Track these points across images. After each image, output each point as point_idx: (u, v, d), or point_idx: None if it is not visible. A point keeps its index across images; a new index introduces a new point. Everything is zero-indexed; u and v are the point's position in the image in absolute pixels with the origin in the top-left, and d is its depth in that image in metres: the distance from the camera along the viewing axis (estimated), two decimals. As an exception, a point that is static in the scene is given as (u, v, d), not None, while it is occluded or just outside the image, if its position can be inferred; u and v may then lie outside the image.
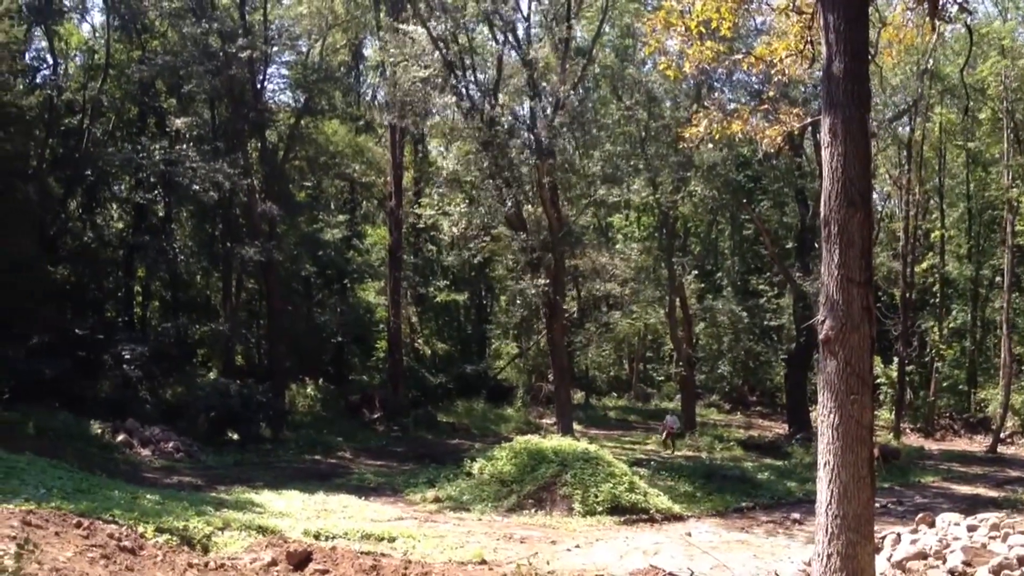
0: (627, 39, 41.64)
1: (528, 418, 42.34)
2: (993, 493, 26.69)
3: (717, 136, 12.56)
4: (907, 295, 45.59)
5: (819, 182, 13.30)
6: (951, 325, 50.62)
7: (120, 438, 27.44)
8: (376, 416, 37.87)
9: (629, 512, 19.85)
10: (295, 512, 17.54)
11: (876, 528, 9.30)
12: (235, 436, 30.84)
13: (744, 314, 48.32)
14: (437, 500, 21.31)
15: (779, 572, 13.11)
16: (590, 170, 37.42)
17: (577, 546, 16.50)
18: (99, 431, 27.46)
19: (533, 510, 19.95)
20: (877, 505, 10.48)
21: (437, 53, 30.83)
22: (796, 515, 21.03)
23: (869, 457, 8.65)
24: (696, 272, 49.71)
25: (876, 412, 35.09)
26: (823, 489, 8.65)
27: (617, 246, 47.14)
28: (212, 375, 37.84)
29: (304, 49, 42.03)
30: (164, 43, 38.72)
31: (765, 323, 48.27)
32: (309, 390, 41.37)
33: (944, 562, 11.89)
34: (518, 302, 44.85)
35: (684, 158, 36.89)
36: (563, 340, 33.90)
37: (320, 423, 36.18)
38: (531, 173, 32.30)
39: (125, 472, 22.94)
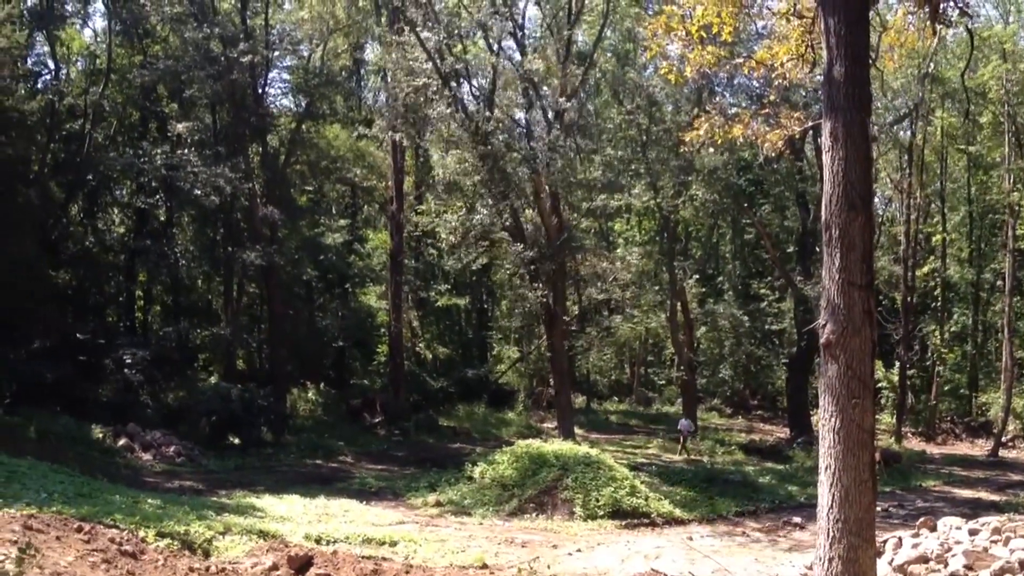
0: (628, 43, 41.69)
1: (529, 422, 42.33)
2: (995, 497, 26.67)
3: (718, 140, 12.56)
4: (908, 299, 45.57)
5: (820, 186, 13.31)
6: (952, 329, 50.59)
7: (121, 442, 27.43)
8: (377, 420, 37.85)
9: (630, 516, 19.85)
10: (296, 516, 17.54)
11: (877, 532, 9.29)
12: (236, 440, 30.84)
13: (745, 318, 48.30)
14: (438, 504, 21.30)
15: (780, 575, 13.11)
16: (591, 175, 37.41)
17: (578, 550, 16.50)
18: (100, 435, 27.47)
19: (534, 514, 19.95)
20: (878, 509, 10.46)
21: (431, 64, 30.66)
22: (797, 519, 21.02)
23: (870, 461, 8.64)
24: (697, 276, 49.74)
25: (877, 416, 35.05)
26: (824, 493, 8.64)
27: (618, 250, 47.13)
28: (213, 379, 37.82)
29: (305, 54, 42.08)
30: (165, 48, 38.77)
31: (766, 327, 48.26)
32: (310, 394, 41.37)
33: (946, 566, 11.87)
34: (517, 311, 44.94)
35: (685, 162, 36.92)
36: (563, 346, 33.75)
37: (321, 427, 36.18)
38: (528, 184, 32.14)
39: (126, 476, 22.95)
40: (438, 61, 30.69)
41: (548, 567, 14.17)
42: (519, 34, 36.02)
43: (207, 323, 41.46)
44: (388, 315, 43.39)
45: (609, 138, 42.22)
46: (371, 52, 46.88)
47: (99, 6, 43.88)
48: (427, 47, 30.48)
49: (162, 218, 41.09)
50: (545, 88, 39.59)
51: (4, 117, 31.24)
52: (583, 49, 42.12)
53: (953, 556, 11.95)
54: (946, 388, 49.19)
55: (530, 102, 32.83)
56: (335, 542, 14.84)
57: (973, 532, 12.97)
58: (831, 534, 8.50)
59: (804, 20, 11.13)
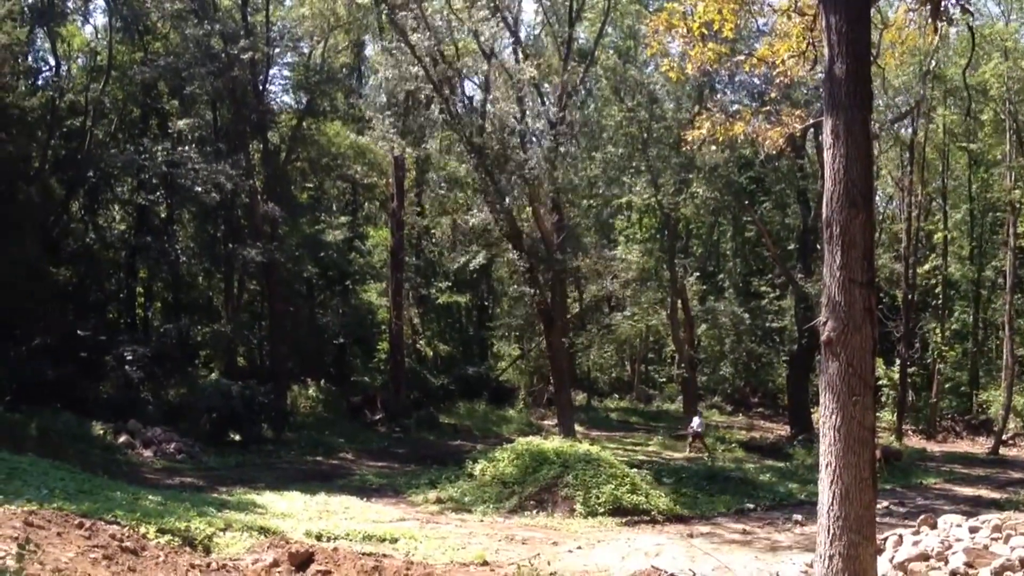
0: (629, 40, 41.69)
1: (530, 419, 42.34)
2: (995, 495, 26.66)
3: (719, 138, 12.56)
4: (909, 296, 45.54)
5: (821, 183, 13.29)
6: (953, 327, 50.58)
7: (122, 439, 27.46)
8: (378, 417, 37.87)
9: (631, 513, 19.84)
10: (297, 513, 17.56)
11: (878, 529, 9.29)
12: (237, 437, 30.85)
13: (746, 315, 48.27)
14: (439, 501, 21.31)
15: (781, 573, 13.11)
16: (592, 172, 37.41)
17: (579, 547, 16.51)
18: (101, 432, 27.50)
19: (535, 511, 19.95)
20: (879, 506, 10.48)
21: (422, 71, 30.38)
22: (798, 516, 21.01)
23: (871, 459, 8.65)
24: (698, 274, 49.72)
25: (878, 414, 35.13)
26: (825, 491, 8.65)
27: (619, 248, 47.15)
28: (214, 376, 37.81)
29: (306, 51, 42.05)
30: (166, 45, 38.77)
31: (767, 325, 48.23)
32: (311, 391, 41.36)
33: (946, 563, 11.87)
34: (517, 312, 44.94)
35: (686, 159, 36.86)
36: (563, 345, 33.54)
37: (322, 424, 36.19)
38: (524, 195, 31.88)
39: (127, 473, 22.96)
40: (430, 68, 30.33)
41: (548, 564, 14.17)
42: (512, 40, 35.72)
43: (208, 320, 41.46)
44: (389, 312, 43.39)
45: (610, 136, 42.20)
46: (372, 49, 46.86)
47: (100, 2, 44.10)
48: (417, 53, 30.11)
49: (163, 215, 41.10)
50: (546, 86, 39.61)
51: (5, 114, 31.26)
52: (584, 47, 42.15)
53: (954, 554, 11.96)
54: (947, 386, 49.18)
55: (524, 110, 32.32)
56: (336, 539, 14.86)
57: (974, 530, 12.98)
58: (831, 532, 8.51)
59: (805, 17, 11.13)
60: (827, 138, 8.89)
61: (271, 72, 40.31)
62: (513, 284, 44.36)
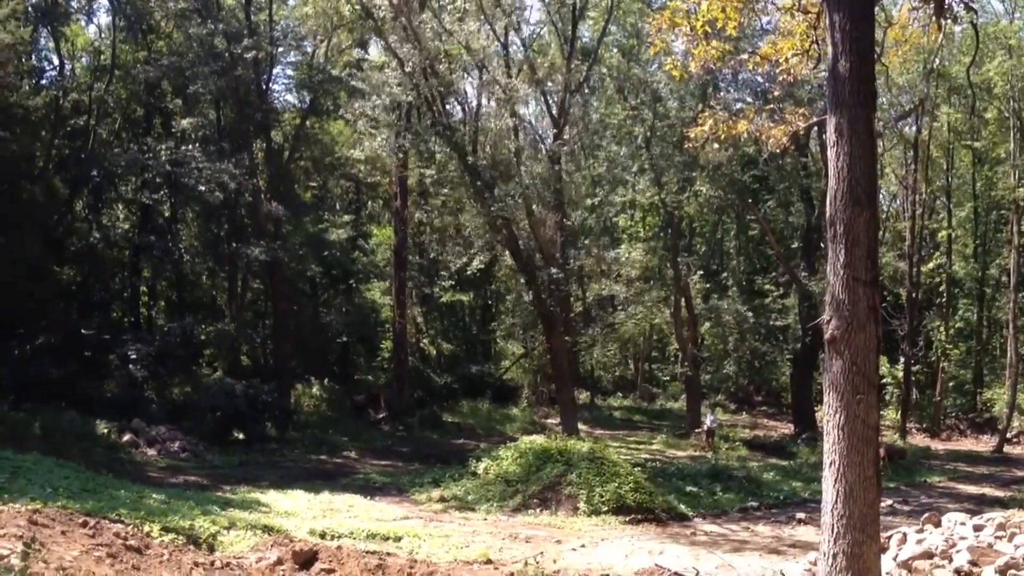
0: (632, 39, 41.63)
1: (533, 418, 42.36)
2: (999, 493, 26.65)
3: (723, 136, 12.56)
4: (913, 295, 45.49)
5: (825, 182, 13.28)
6: (957, 325, 50.52)
7: (126, 438, 27.50)
8: (381, 416, 37.90)
9: (634, 512, 19.83)
10: (301, 511, 17.57)
11: (882, 528, 9.29)
12: (241, 436, 30.89)
13: (749, 314, 48.15)
14: (442, 500, 21.31)
15: (785, 571, 13.11)
16: (596, 170, 37.39)
17: (583, 545, 16.51)
18: (105, 431, 27.54)
19: (538, 510, 19.95)
20: (883, 505, 10.47)
21: (413, 87, 29.96)
22: (802, 515, 21.00)
23: (875, 457, 8.65)
24: (701, 272, 49.59)
25: (882, 412, 35.12)
26: (829, 489, 8.65)
27: (622, 246, 47.11)
28: (218, 375, 37.86)
29: (309, 49, 42.04)
30: (170, 44, 38.77)
31: (771, 323, 48.13)
32: (314, 390, 41.40)
33: (950, 562, 11.86)
34: (519, 312, 44.89)
35: (689, 158, 36.85)
36: (564, 347, 33.00)
37: (325, 423, 36.22)
38: (521, 213, 31.45)
39: (131, 472, 22.99)
40: (421, 83, 29.83)
41: (552, 562, 14.17)
42: (504, 53, 35.23)
43: (211, 319, 41.47)
44: (392, 311, 43.40)
45: (613, 134, 42.18)
46: (374, 49, 46.90)
47: (103, 2, 44.07)
48: (407, 70, 29.64)
49: (166, 214, 41.12)
50: (550, 84, 39.50)
51: (8, 113, 31.26)
52: (588, 45, 42.12)
53: (958, 552, 11.95)
54: (951, 384, 49.12)
55: (517, 128, 31.55)
56: (339, 537, 14.86)
57: (978, 528, 12.97)
58: (835, 530, 8.51)
59: (809, 16, 11.12)
60: (831, 136, 8.89)
61: (274, 71, 40.35)
62: (515, 285, 44.34)
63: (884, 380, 43.68)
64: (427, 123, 31.00)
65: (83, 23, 41.03)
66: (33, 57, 37.43)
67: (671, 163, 38.44)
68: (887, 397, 46.01)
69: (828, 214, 8.87)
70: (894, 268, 45.60)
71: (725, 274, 54.89)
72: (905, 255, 45.69)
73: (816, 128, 31.19)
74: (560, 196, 32.59)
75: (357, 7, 33.68)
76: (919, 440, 42.14)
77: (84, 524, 11.61)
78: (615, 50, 42.89)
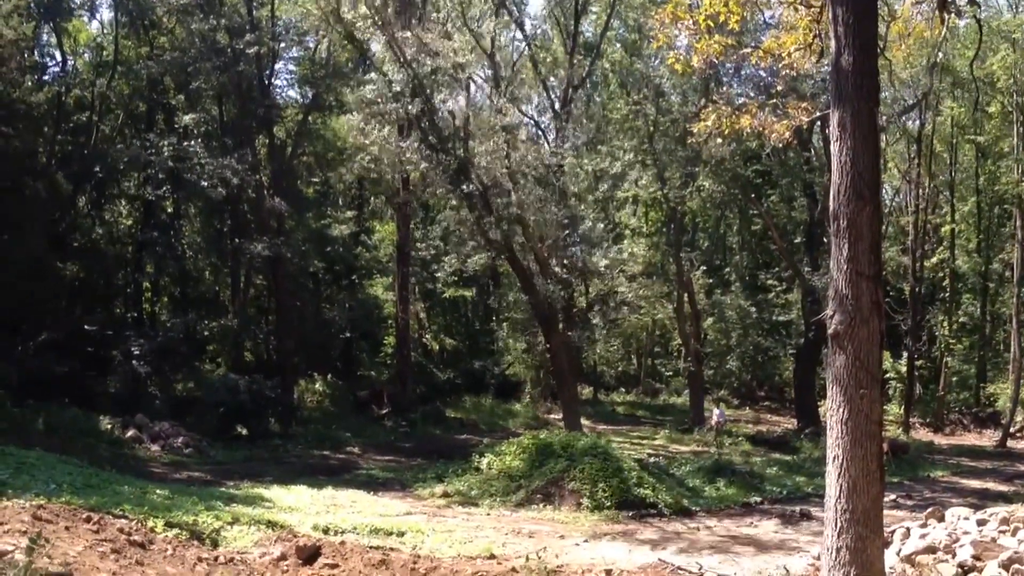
0: (634, 34, 41.61)
1: (536, 413, 42.39)
2: (1003, 487, 26.62)
3: (726, 131, 12.54)
4: (916, 289, 45.47)
5: (828, 176, 13.26)
6: (960, 319, 50.48)
7: (129, 434, 27.53)
8: (385, 411, 37.92)
9: (638, 507, 19.83)
10: (304, 507, 17.58)
11: (885, 522, 9.28)
12: (244, 431, 30.91)
13: (752, 309, 48.27)
14: (446, 495, 21.32)
15: (788, 566, 13.11)
16: (599, 165, 37.32)
17: (586, 540, 16.52)
18: (108, 427, 27.56)
19: (541, 505, 19.95)
20: (886, 499, 10.46)
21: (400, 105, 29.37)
22: (805, 510, 21.00)
23: (878, 452, 8.64)
24: (704, 267, 49.68)
25: (885, 407, 34.99)
26: (832, 484, 8.64)
27: (625, 242, 47.10)
28: (221, 371, 37.90)
29: (312, 45, 42.03)
30: (172, 39, 38.77)
31: (774, 318, 48.22)
32: (318, 385, 41.43)
33: (953, 556, 11.86)
34: (521, 307, 44.81)
35: (692, 153, 36.82)
36: (563, 346, 32.27)
37: (329, 418, 36.24)
38: (517, 237, 30.81)
39: (134, 467, 23.01)
40: (408, 102, 29.24)
41: (556, 557, 14.17)
42: (495, 72, 34.76)
43: (214, 315, 41.50)
44: (395, 306, 43.42)
45: (616, 129, 42.14)
46: (376, 44, 46.85)
47: (106, -3, 43.93)
48: (393, 90, 29.22)
49: (169, 210, 41.13)
50: (552, 79, 39.50)
51: (11, 109, 31.27)
52: (590, 41, 42.10)
53: (961, 546, 11.95)
54: (954, 379, 49.09)
55: (508, 151, 29.97)
56: (343, 532, 14.87)
57: (981, 522, 12.98)
58: (839, 524, 8.51)
59: (812, 9, 11.10)
60: (834, 131, 8.88)
61: (277, 67, 40.35)
62: (516, 282, 44.24)
63: (887, 375, 43.64)
64: (416, 144, 30.09)
65: (85, 19, 41.16)
66: (36, 53, 37.45)
67: (674, 158, 38.40)
68: (890, 392, 45.98)
69: (831, 209, 8.86)
70: (897, 263, 45.60)
71: (728, 269, 54.97)
72: (908, 250, 45.66)
73: (819, 123, 31.27)
74: (563, 195, 32.02)
75: (339, 32, 32.82)
76: (922, 435, 42.11)
77: (88, 520, 11.62)
78: (618, 45, 42.85)
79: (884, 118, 35.27)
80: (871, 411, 8.55)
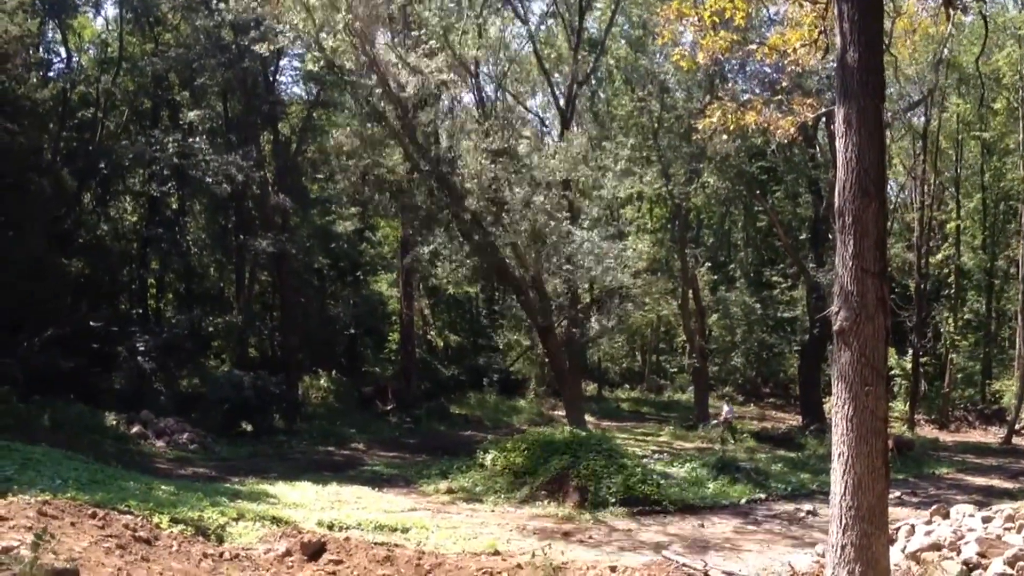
0: (639, 30, 41.52)
1: (540, 410, 42.39)
2: (1008, 484, 26.58)
3: (731, 127, 12.52)
4: (922, 286, 45.42)
5: (833, 172, 13.24)
6: (966, 316, 50.38)
7: (135, 429, 27.58)
8: (389, 408, 37.95)
9: (642, 503, 19.84)
10: (309, 503, 17.60)
11: (890, 519, 9.27)
12: (249, 427, 30.96)
13: (757, 306, 48.21)
14: (450, 491, 21.34)
15: (793, 563, 13.10)
16: (603, 162, 37.24)
17: (590, 537, 16.53)
18: (114, 423, 27.61)
19: (546, 501, 19.97)
20: (891, 496, 10.44)
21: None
22: (810, 506, 20.99)
23: (883, 448, 8.63)
24: (709, 264, 49.65)
25: (890, 403, 35.02)
26: (837, 480, 8.64)
27: (629, 238, 47.05)
28: (226, 367, 37.97)
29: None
30: (177, 36, 38.81)
31: (778, 315, 48.14)
32: (322, 382, 41.49)
33: (958, 553, 11.85)
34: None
35: (697, 149, 36.78)
36: (561, 350, 31.82)
37: (333, 414, 36.30)
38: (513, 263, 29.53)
39: (140, 463, 23.06)
40: (392, 120, 28.43)
41: (560, 553, 14.18)
42: (479, 95, 33.95)
43: (219, 311, 41.56)
44: (399, 303, 43.44)
45: (620, 125, 42.09)
46: (382, 39, 46.80)
47: (110, -6, 44.05)
48: (378, 111, 28.39)
49: (174, 206, 41.19)
50: (557, 75, 39.39)
51: (16, 106, 31.33)
52: (595, 37, 41.99)
53: (966, 543, 11.94)
54: (959, 375, 49.03)
55: (497, 179, 27.94)
56: (347, 528, 14.89)
57: (986, 519, 12.95)
58: (844, 521, 8.50)
59: (817, 6, 11.08)
60: (839, 127, 8.86)
61: (281, 63, 40.31)
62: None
63: (892, 371, 43.59)
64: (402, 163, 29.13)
65: (90, 15, 41.18)
66: (41, 49, 37.48)
67: (678, 154, 38.37)
68: (895, 388, 45.95)
69: (837, 205, 8.85)
70: (903, 259, 45.53)
71: (733, 265, 54.89)
72: (914, 246, 45.60)
73: (824, 119, 31.20)
74: (570, 208, 31.03)
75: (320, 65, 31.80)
76: (927, 431, 42.05)
77: (93, 515, 11.65)
78: (622, 41, 42.79)
79: (889, 114, 35.20)
80: (876, 408, 8.54)
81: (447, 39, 26.88)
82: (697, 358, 41.79)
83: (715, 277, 51.55)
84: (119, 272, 39.01)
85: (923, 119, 44.35)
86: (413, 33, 27.37)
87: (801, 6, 11.56)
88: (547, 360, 35.90)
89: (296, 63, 43.34)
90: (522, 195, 26.80)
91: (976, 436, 42.56)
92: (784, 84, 17.64)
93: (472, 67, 28.77)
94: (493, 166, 27.14)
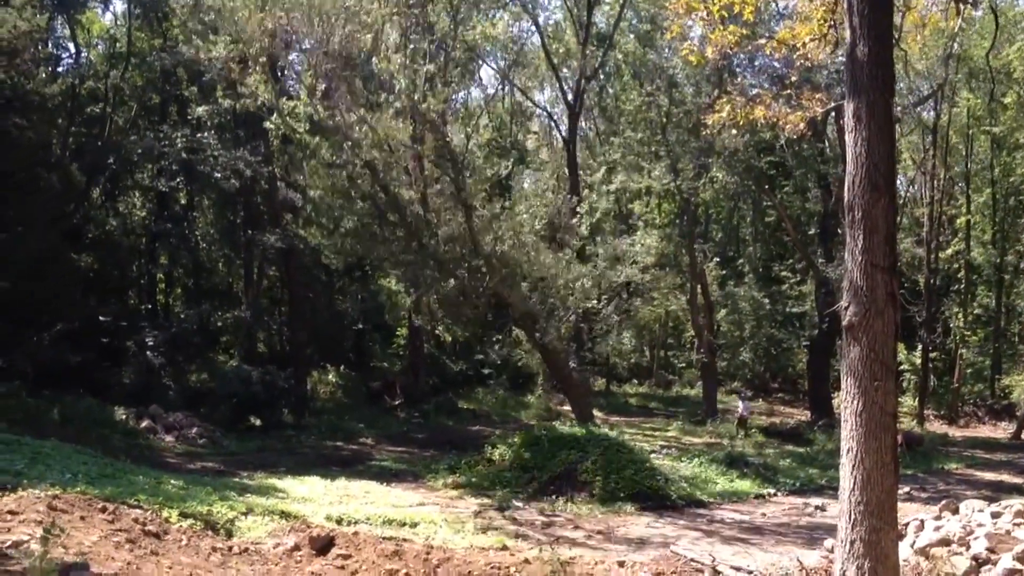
0: (647, 24, 41.46)
1: (548, 405, 42.36)
2: (1017, 480, 26.52)
3: (739, 122, 12.50)
4: (931, 281, 45.28)
5: (842, 167, 13.19)
6: (975, 311, 50.20)
7: (144, 424, 27.65)
8: (397, 402, 38.00)
9: (650, 498, 19.84)
10: (317, 497, 17.63)
11: (899, 515, 9.25)
12: (257, 422, 31.02)
13: (766, 301, 48.12)
14: (458, 486, 21.36)
15: (801, 559, 13.08)
16: (611, 156, 37.20)
17: (598, 532, 16.53)
18: (123, 417, 27.68)
19: (553, 496, 19.98)
20: (900, 492, 10.43)
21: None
22: (818, 502, 20.98)
23: (892, 444, 8.61)
24: (718, 259, 49.53)
25: (899, 399, 35.01)
26: (846, 476, 8.61)
27: (638, 233, 46.97)
28: (234, 362, 38.03)
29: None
30: (185, 31, 38.80)
31: (787, 310, 48.05)
32: (330, 376, 41.53)
33: (968, 549, 11.83)
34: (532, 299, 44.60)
35: (705, 144, 36.72)
36: (558, 348, 31.24)
37: (341, 409, 36.33)
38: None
39: (149, 458, 23.11)
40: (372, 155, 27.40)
41: (569, 548, 14.19)
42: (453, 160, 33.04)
43: (228, 306, 41.64)
44: (408, 298, 43.44)
45: (629, 120, 42.03)
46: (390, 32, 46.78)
47: (119, -11, 44.05)
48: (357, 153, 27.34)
49: (183, 201, 41.25)
50: (565, 70, 39.32)
51: (25, 101, 31.38)
52: (603, 31, 41.98)
53: (975, 539, 11.92)
54: (969, 371, 48.85)
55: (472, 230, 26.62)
56: (356, 523, 14.91)
57: (995, 515, 12.92)
58: (853, 517, 8.48)
59: (827, 0, 11.03)
60: (849, 121, 8.83)
61: (290, 57, 40.21)
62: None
63: (902, 367, 43.44)
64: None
65: (99, 10, 41.17)
66: (49, 45, 37.53)
67: (687, 149, 38.28)
68: (905, 384, 45.81)
69: (846, 200, 8.81)
70: (912, 254, 45.37)
71: (741, 260, 54.79)
72: (923, 241, 45.46)
73: (834, 113, 31.08)
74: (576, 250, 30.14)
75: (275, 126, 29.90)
76: (937, 427, 41.97)
77: (103, 510, 11.68)
78: (631, 36, 42.72)
79: (899, 109, 35.10)
80: (885, 403, 8.51)
81: (415, 107, 26.10)
82: (705, 353, 41.73)
83: (724, 272, 51.46)
84: (128, 267, 39.11)
85: (933, 114, 44.17)
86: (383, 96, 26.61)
87: (811, 0, 11.52)
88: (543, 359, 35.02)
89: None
90: (489, 245, 26.26)
91: (985, 431, 42.44)
92: (793, 79, 17.62)
93: (440, 123, 27.71)
94: (464, 219, 26.34)
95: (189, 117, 38.12)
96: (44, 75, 34.99)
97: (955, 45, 38.09)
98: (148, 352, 33.18)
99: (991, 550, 11.48)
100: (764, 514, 19.79)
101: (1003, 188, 49.71)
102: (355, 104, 26.05)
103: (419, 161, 27.28)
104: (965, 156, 49.56)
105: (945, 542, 12.21)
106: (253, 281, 40.92)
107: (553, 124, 53.10)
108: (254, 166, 34.50)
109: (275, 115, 27.15)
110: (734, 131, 29.07)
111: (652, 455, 23.83)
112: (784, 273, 48.68)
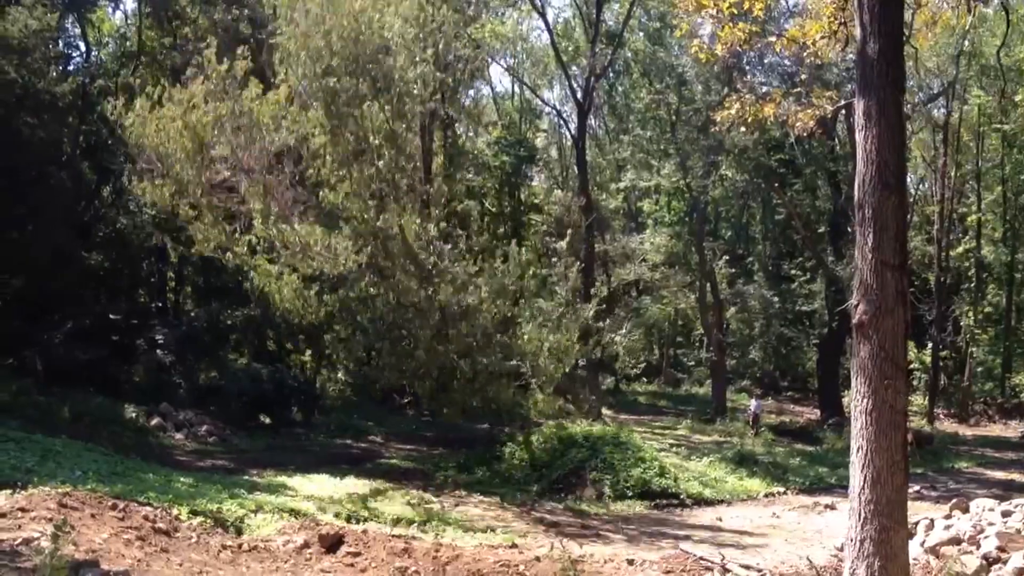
0: (656, 22, 41.44)
1: (558, 403, 42.31)
2: (1028, 479, 26.44)
3: (749, 119, 12.47)
4: (942, 279, 45.12)
5: (852, 165, 13.17)
6: (986, 309, 50.03)
7: (154, 422, 27.71)
8: (406, 401, 37.99)
9: (659, 497, 19.85)
10: (327, 495, 17.65)
11: (909, 513, 9.23)
12: (267, 420, 31.06)
13: (775, 299, 48.03)
14: (467, 484, 21.37)
15: (811, 557, 13.06)
16: (620, 155, 37.17)
17: (608, 529, 16.52)
18: (133, 415, 27.73)
19: (563, 494, 19.98)
20: (910, 490, 10.40)
21: None
22: (828, 500, 20.94)
23: (903, 442, 8.58)
24: (727, 257, 49.45)
25: (910, 397, 34.82)
26: (856, 474, 8.59)
27: (647, 231, 46.99)
28: (244, 360, 38.07)
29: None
30: (195, 30, 38.87)
31: (797, 308, 47.95)
32: (340, 375, 41.53)
33: (978, 547, 11.80)
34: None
35: (715, 142, 36.66)
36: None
37: (351, 408, 36.34)
38: None
39: (159, 455, 23.15)
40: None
41: (579, 546, 14.19)
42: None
43: (237, 304, 41.66)
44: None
45: (638, 118, 42.00)
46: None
47: (129, -12, 44.23)
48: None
49: (193, 199, 41.27)
50: (575, 68, 39.24)
51: (36, 99, 31.45)
52: (613, 29, 41.92)
53: (986, 538, 11.89)
54: (979, 369, 48.70)
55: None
56: (365, 521, 14.94)
57: (1006, 514, 12.90)
58: (862, 515, 8.45)
59: (837, -3, 11.00)
60: (859, 119, 8.80)
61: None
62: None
63: (912, 365, 43.30)
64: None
65: (109, 9, 41.26)
66: (60, 43, 37.63)
67: (696, 147, 38.25)
68: (915, 382, 45.66)
69: (856, 198, 8.79)
70: (922, 252, 45.27)
71: (751, 259, 54.71)
72: (934, 239, 45.33)
73: (844, 111, 30.97)
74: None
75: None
76: (947, 426, 41.84)
77: (113, 507, 11.72)
78: (640, 33, 42.68)
79: (910, 106, 35.01)
80: (896, 401, 8.49)
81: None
82: (715, 351, 41.69)
83: (733, 270, 51.35)
84: (138, 265, 39.14)
85: (944, 111, 44.02)
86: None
87: (821, -2, 11.49)
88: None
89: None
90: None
91: (996, 430, 42.30)
92: (803, 76, 17.60)
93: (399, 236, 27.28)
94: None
95: (199, 116, 38.16)
96: (55, 74, 35.05)
97: (966, 42, 37.95)
98: (158, 350, 33.23)
99: (1001, 549, 11.45)
100: (774, 513, 19.76)
101: (1014, 186, 49.48)
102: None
103: None
104: (976, 154, 49.34)
105: (955, 541, 12.18)
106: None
107: (562, 122, 53.09)
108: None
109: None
110: (743, 129, 28.90)
111: (661, 453, 23.82)
112: (794, 271, 48.57)
